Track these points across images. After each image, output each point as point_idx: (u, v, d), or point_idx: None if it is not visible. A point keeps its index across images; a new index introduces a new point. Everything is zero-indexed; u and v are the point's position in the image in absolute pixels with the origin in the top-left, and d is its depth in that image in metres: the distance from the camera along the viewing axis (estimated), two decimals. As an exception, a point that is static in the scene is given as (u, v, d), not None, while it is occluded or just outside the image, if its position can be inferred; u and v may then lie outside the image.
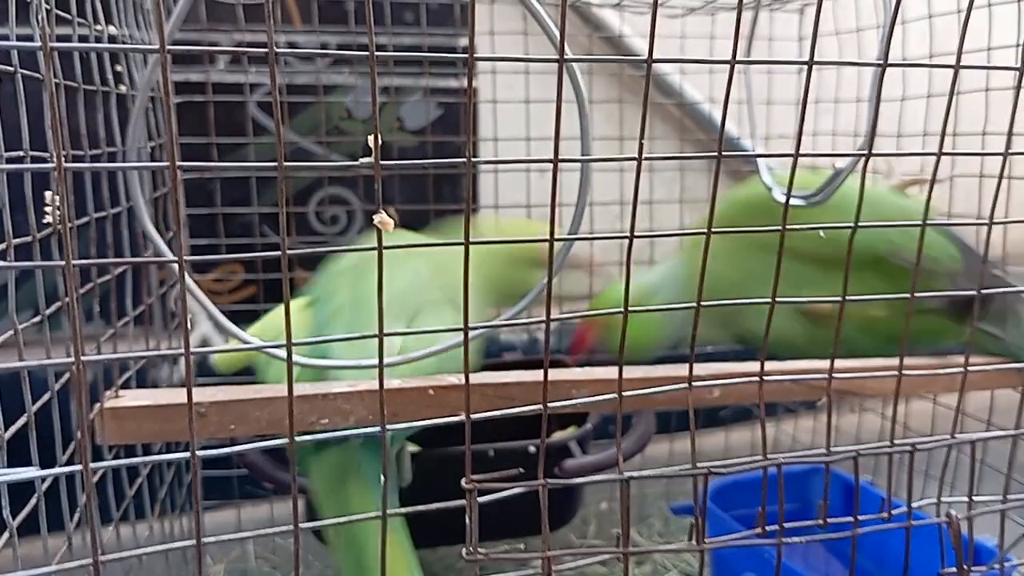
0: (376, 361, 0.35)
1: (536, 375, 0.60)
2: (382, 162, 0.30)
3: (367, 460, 0.65)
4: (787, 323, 0.82)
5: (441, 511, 0.37)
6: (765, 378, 0.41)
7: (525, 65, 1.04)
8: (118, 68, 0.72)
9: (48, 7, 0.55)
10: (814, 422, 1.21)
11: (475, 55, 0.31)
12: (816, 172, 0.84)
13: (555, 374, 0.62)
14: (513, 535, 0.75)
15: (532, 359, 1.02)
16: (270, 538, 0.98)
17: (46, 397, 0.52)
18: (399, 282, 0.71)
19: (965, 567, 0.43)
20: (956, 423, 0.46)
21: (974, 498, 0.44)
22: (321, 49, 0.98)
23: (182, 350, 0.31)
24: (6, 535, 0.45)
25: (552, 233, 0.34)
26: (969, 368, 0.46)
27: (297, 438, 0.34)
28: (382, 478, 0.35)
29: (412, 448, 0.75)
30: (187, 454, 0.32)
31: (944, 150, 0.39)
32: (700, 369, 0.66)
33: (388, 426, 0.35)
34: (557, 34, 0.32)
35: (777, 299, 0.39)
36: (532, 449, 0.78)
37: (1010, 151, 0.41)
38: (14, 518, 0.46)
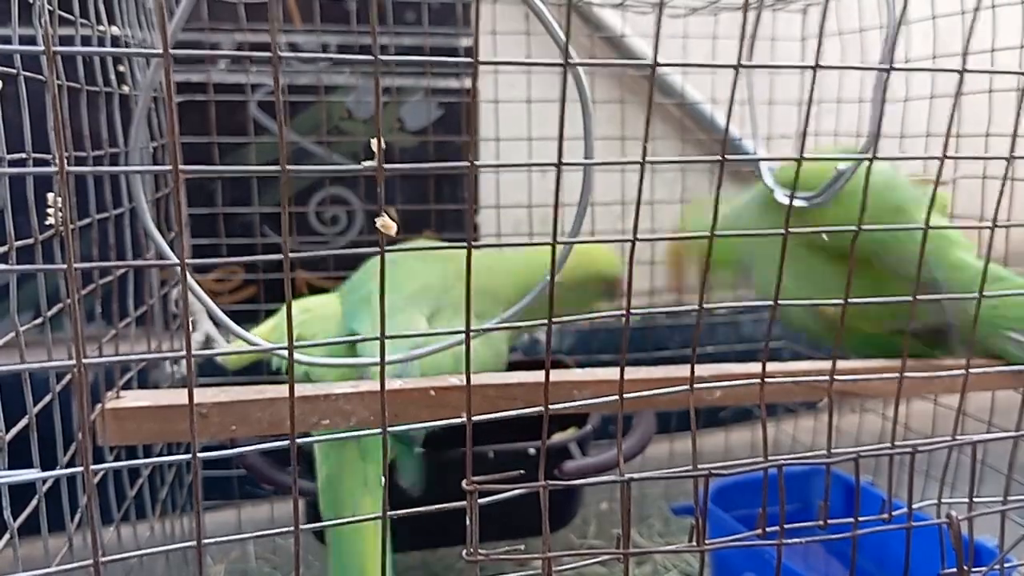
0: (377, 360, 0.35)
1: (537, 376, 0.60)
2: (385, 165, 0.30)
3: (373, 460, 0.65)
4: (809, 320, 0.82)
5: (441, 511, 0.37)
6: (766, 380, 0.41)
7: (527, 65, 1.04)
8: (120, 69, 0.72)
9: (51, 8, 0.55)
10: (814, 422, 1.21)
11: (479, 58, 0.31)
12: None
13: (556, 375, 0.62)
14: (513, 536, 0.75)
15: (533, 360, 1.02)
16: (271, 538, 0.98)
17: (47, 399, 0.52)
18: (425, 277, 0.74)
19: (965, 568, 0.43)
20: (957, 424, 0.46)
21: (975, 499, 0.44)
22: (322, 48, 0.98)
23: (184, 352, 0.31)
24: (7, 536, 0.45)
25: (555, 235, 0.34)
26: (970, 370, 0.46)
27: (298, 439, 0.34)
28: (382, 479, 0.36)
29: (417, 449, 0.75)
30: (188, 456, 0.32)
31: (948, 153, 0.39)
32: (701, 370, 0.66)
33: (393, 427, 0.35)
34: (562, 37, 0.32)
35: (779, 302, 0.39)
36: (532, 451, 0.78)
37: (1014, 155, 0.41)
38: (15, 519, 0.46)
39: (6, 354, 0.47)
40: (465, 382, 0.36)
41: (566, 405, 0.41)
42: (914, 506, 0.44)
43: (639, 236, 0.35)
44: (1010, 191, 0.80)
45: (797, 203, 0.67)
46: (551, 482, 0.37)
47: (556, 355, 1.07)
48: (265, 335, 0.71)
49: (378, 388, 0.35)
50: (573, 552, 0.39)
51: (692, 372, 0.40)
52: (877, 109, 0.39)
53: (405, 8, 1.00)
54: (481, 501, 0.37)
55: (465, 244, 0.33)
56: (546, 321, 0.36)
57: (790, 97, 1.10)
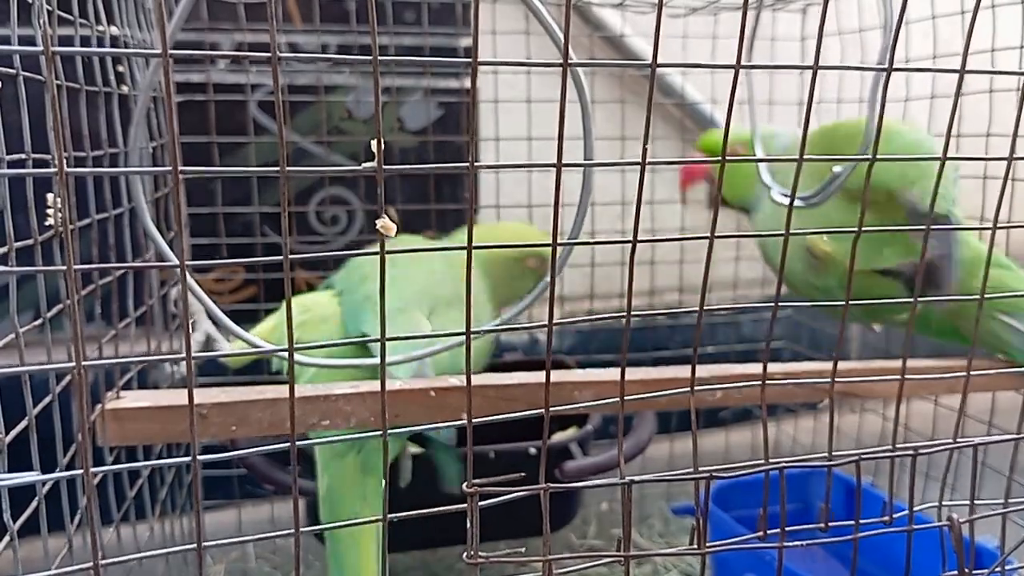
0: (387, 359, 0.35)
1: (538, 376, 0.60)
2: (385, 166, 0.30)
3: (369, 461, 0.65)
4: (793, 256, 0.82)
5: (441, 511, 0.37)
6: (767, 381, 0.41)
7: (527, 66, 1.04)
8: (120, 69, 0.71)
9: (50, 9, 0.55)
10: (815, 422, 1.21)
11: (478, 59, 0.30)
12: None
13: (557, 376, 0.62)
14: (513, 536, 0.75)
15: (533, 360, 1.02)
16: (271, 539, 0.98)
17: (47, 400, 0.52)
18: (420, 276, 0.74)
19: (966, 570, 0.42)
20: (958, 426, 0.45)
21: (976, 501, 0.44)
22: (322, 48, 0.98)
23: (183, 353, 0.31)
24: (7, 538, 0.45)
25: (555, 237, 0.34)
26: (971, 371, 0.46)
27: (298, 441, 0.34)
28: (383, 481, 0.35)
29: (413, 449, 0.75)
30: (188, 457, 0.32)
31: (948, 153, 0.39)
32: (702, 371, 0.66)
33: (393, 429, 0.35)
34: (561, 37, 0.32)
35: (780, 303, 0.39)
36: (533, 451, 0.78)
37: (1014, 155, 0.41)
38: (15, 520, 0.45)
39: (6, 355, 0.46)
40: (465, 383, 0.36)
41: (566, 406, 0.41)
42: (915, 508, 0.44)
43: (639, 237, 0.35)
44: (1011, 191, 0.80)
45: (796, 202, 0.67)
46: (552, 485, 0.37)
47: (557, 355, 1.07)
48: (265, 335, 0.71)
49: (378, 389, 0.35)
50: (574, 555, 0.38)
51: (693, 373, 0.40)
52: (876, 109, 0.38)
53: (405, 8, 1.00)
54: (481, 504, 0.36)
55: (465, 245, 0.33)
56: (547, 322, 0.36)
57: (790, 97, 1.10)
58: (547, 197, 1.07)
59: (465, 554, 0.37)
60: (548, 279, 0.37)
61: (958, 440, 0.44)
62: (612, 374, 0.62)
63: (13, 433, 0.47)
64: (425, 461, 0.74)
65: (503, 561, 0.37)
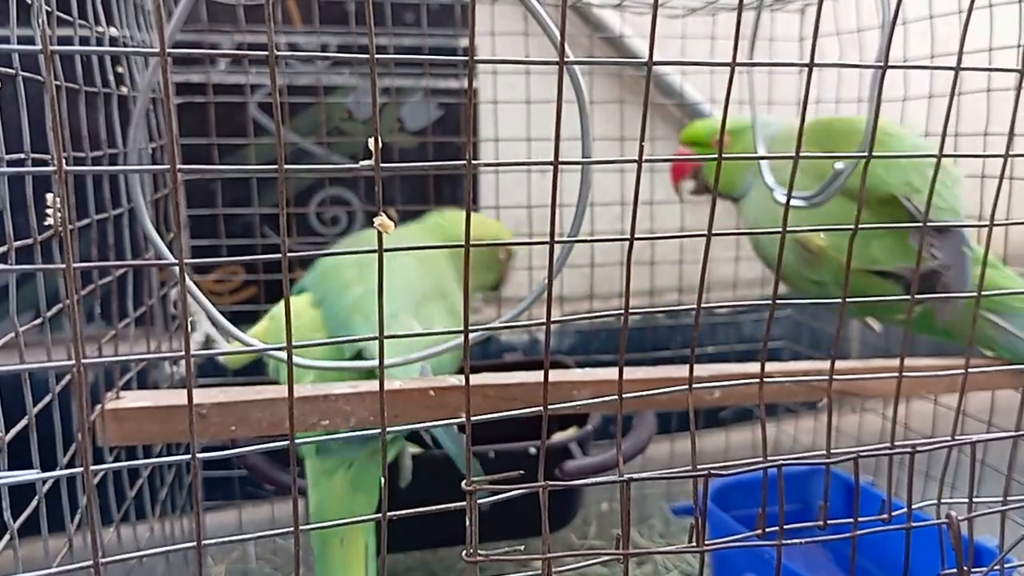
0: (376, 361, 0.35)
1: (537, 376, 0.61)
2: (383, 164, 0.30)
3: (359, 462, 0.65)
4: (785, 249, 0.83)
5: (441, 511, 0.37)
6: (765, 380, 0.41)
7: (526, 66, 1.04)
8: (119, 69, 0.72)
9: (49, 9, 0.55)
10: (815, 422, 1.21)
11: (476, 57, 0.31)
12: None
13: (556, 375, 0.62)
14: (513, 536, 0.75)
15: (533, 360, 1.02)
16: (271, 539, 0.98)
17: (47, 399, 0.52)
18: (401, 275, 0.73)
19: (965, 568, 0.42)
20: (956, 424, 0.46)
21: (974, 499, 0.44)
22: (322, 49, 0.98)
23: (183, 352, 0.31)
24: (7, 537, 0.45)
25: (552, 235, 0.34)
26: (970, 369, 0.46)
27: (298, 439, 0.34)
28: (382, 480, 0.35)
29: (413, 449, 0.75)
30: (188, 456, 0.32)
31: (945, 151, 0.39)
32: (701, 370, 0.66)
33: (392, 428, 0.35)
34: (558, 35, 0.32)
35: (778, 301, 0.39)
36: (533, 450, 0.78)
37: (1011, 153, 0.41)
38: (15, 519, 0.46)
39: (6, 354, 0.47)
40: (465, 382, 0.36)
41: (566, 405, 0.41)
42: (914, 506, 0.44)
43: (638, 236, 0.35)
44: (1008, 189, 0.80)
45: (796, 202, 0.67)
46: (551, 482, 0.37)
47: (556, 355, 1.07)
48: (260, 337, 0.71)
49: (377, 388, 0.35)
50: (573, 553, 0.39)
51: (691, 372, 0.40)
52: (873, 107, 0.38)
53: (404, 9, 1.00)
54: (481, 502, 0.36)
55: (464, 244, 0.33)
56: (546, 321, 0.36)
57: (789, 97, 1.10)
58: (546, 197, 1.07)
59: (464, 552, 0.37)
60: (547, 279, 0.37)
61: (956, 438, 0.44)
62: (610, 373, 0.62)
63: (13, 432, 0.47)
64: (425, 461, 0.74)
65: (503, 560, 0.37)
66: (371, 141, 0.30)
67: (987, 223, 0.43)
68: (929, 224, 0.41)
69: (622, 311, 0.36)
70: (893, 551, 0.82)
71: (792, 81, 1.11)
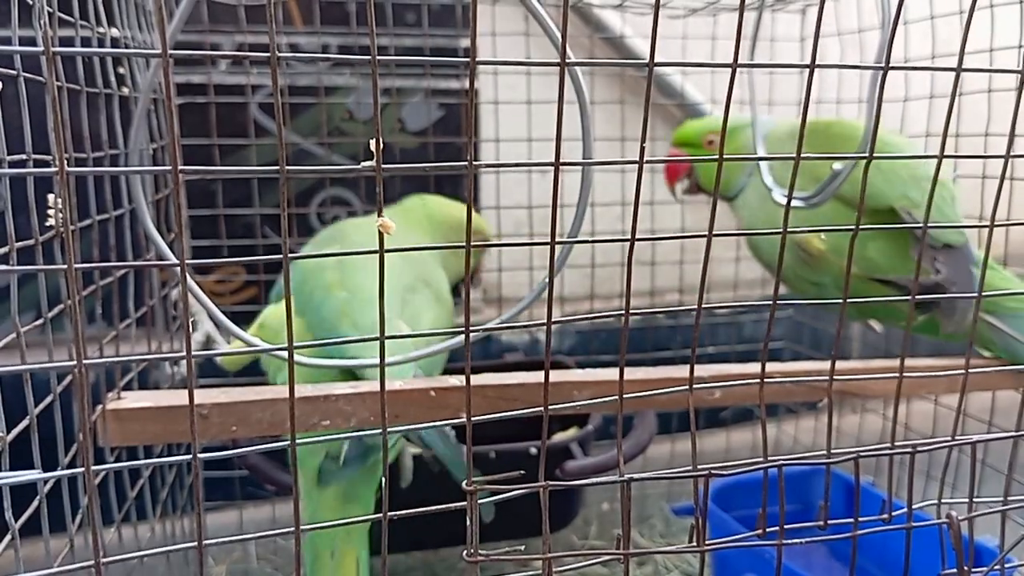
0: (377, 360, 0.35)
1: (537, 376, 0.61)
2: (384, 165, 0.30)
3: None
4: (789, 256, 0.83)
5: (442, 511, 0.37)
6: (766, 380, 0.41)
7: (527, 66, 1.04)
8: (120, 70, 0.72)
9: (50, 10, 0.55)
10: (815, 422, 1.21)
11: (477, 59, 0.31)
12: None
13: (556, 376, 0.62)
14: (514, 536, 0.75)
15: (534, 360, 1.02)
16: (272, 539, 0.98)
17: (48, 399, 0.52)
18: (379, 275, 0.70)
19: (966, 568, 0.43)
20: (957, 424, 0.46)
21: (975, 499, 0.44)
22: (323, 49, 0.98)
23: (184, 352, 0.31)
24: (8, 537, 0.45)
25: (553, 235, 0.34)
26: (970, 370, 0.46)
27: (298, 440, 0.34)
28: (383, 479, 0.36)
29: (413, 450, 0.75)
30: (189, 456, 0.32)
31: (946, 152, 0.39)
32: (701, 370, 0.66)
33: (393, 428, 0.35)
34: (559, 36, 0.32)
35: (778, 302, 0.39)
36: (533, 450, 0.78)
37: (1012, 154, 0.41)
38: (17, 519, 0.46)
39: (7, 355, 0.47)
40: (465, 383, 0.36)
41: (566, 405, 0.41)
42: (914, 506, 0.44)
43: (638, 236, 0.35)
44: (1009, 190, 0.80)
45: (796, 202, 0.67)
46: (551, 482, 0.37)
47: (556, 355, 1.08)
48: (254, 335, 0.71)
49: (378, 389, 0.35)
50: (573, 553, 0.39)
51: (692, 372, 0.40)
52: (874, 108, 0.39)
53: (405, 10, 1.00)
54: (482, 502, 0.37)
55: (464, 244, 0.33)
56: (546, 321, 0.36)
57: (790, 98, 1.10)
58: (547, 197, 1.08)
59: (465, 552, 0.37)
60: (547, 279, 0.38)
61: (957, 438, 0.44)
62: (611, 374, 0.62)
63: (14, 432, 0.47)
64: (426, 461, 0.74)
65: (503, 559, 0.37)
66: (372, 142, 0.30)
67: (987, 224, 0.43)
68: (930, 227, 0.41)
69: (623, 311, 0.36)
70: (893, 551, 0.82)
71: (793, 81, 1.11)
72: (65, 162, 0.28)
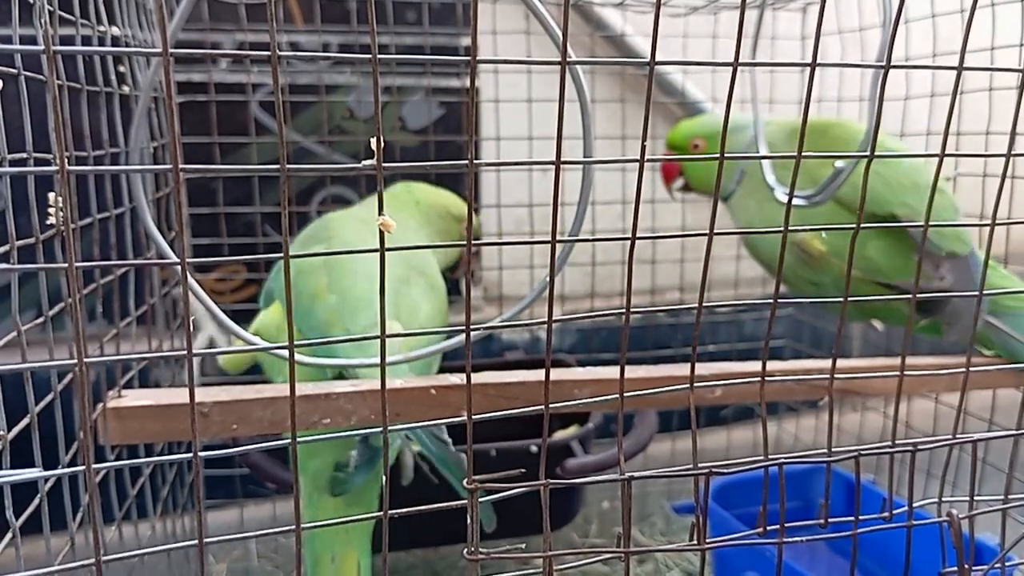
0: (377, 360, 0.35)
1: (538, 375, 0.61)
2: (384, 164, 0.30)
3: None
4: (789, 256, 0.83)
5: (443, 510, 0.37)
6: (766, 379, 0.41)
7: (527, 65, 1.04)
8: (121, 69, 0.72)
9: (51, 9, 0.55)
10: (816, 421, 1.21)
11: (477, 57, 0.31)
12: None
13: (557, 374, 0.62)
14: (515, 534, 0.75)
15: (535, 358, 1.02)
16: (272, 537, 0.98)
17: (49, 398, 0.52)
18: (372, 265, 0.68)
19: (966, 566, 0.43)
20: (958, 422, 0.46)
21: (975, 497, 0.44)
22: (323, 47, 0.98)
23: (184, 351, 0.31)
24: (9, 535, 0.45)
25: (554, 234, 0.34)
26: (971, 368, 0.46)
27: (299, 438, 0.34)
28: (383, 478, 0.36)
29: (415, 447, 0.75)
30: (189, 455, 0.32)
31: (947, 151, 0.39)
32: (702, 369, 0.66)
33: (394, 427, 0.35)
34: (560, 35, 0.32)
35: (779, 300, 0.39)
36: (534, 449, 0.78)
37: (1013, 152, 0.41)
38: (17, 518, 0.46)
39: (8, 353, 0.47)
40: (466, 381, 0.36)
41: (567, 403, 0.41)
42: (915, 504, 0.44)
43: (639, 235, 0.35)
44: (1010, 189, 0.80)
45: (797, 201, 0.67)
46: (551, 481, 0.37)
47: (557, 354, 1.08)
48: (244, 359, 0.71)
49: (379, 387, 0.35)
50: (574, 551, 0.39)
51: (692, 371, 0.40)
52: (875, 107, 0.39)
53: (406, 8, 1.00)
54: (483, 500, 0.37)
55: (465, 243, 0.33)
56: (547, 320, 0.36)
57: (791, 96, 1.10)
58: (548, 196, 1.08)
59: (466, 551, 0.37)
60: (547, 277, 0.38)
61: (957, 436, 0.44)
62: (611, 372, 0.62)
63: (15, 430, 0.47)
64: (423, 468, 0.74)
65: (504, 558, 0.37)
66: (373, 140, 0.30)
67: (988, 222, 0.43)
68: (931, 225, 0.41)
69: (623, 310, 0.36)
70: (894, 549, 0.82)
71: (794, 80, 1.11)
72: (66, 160, 0.28)
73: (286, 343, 0.33)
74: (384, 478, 0.35)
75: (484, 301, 1.12)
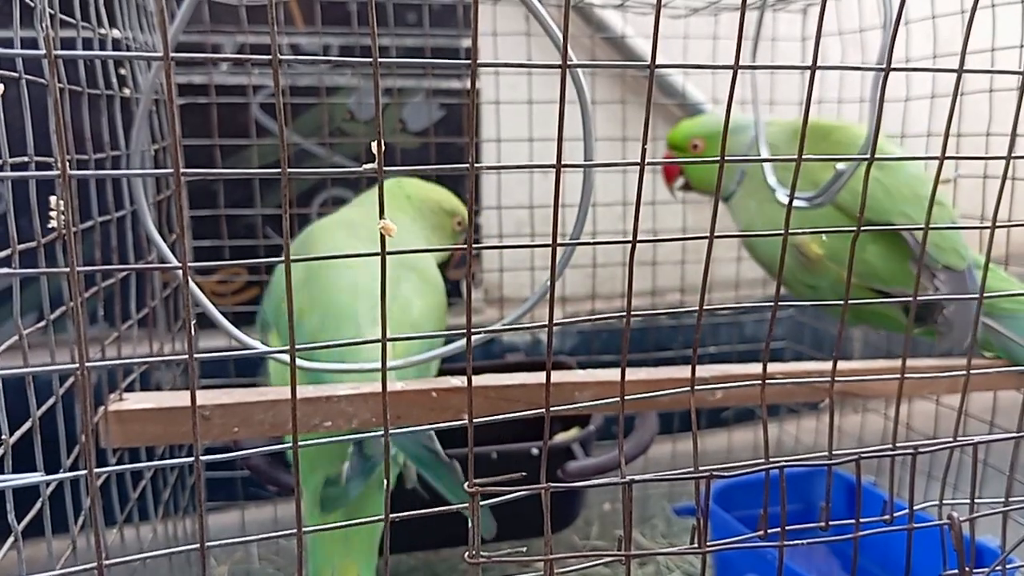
0: (379, 364, 0.35)
1: (539, 377, 0.61)
2: (385, 167, 0.30)
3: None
4: (789, 259, 0.83)
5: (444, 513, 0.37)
6: (767, 381, 0.41)
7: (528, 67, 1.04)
8: (122, 71, 0.72)
9: (52, 12, 0.55)
10: (817, 423, 1.21)
11: (478, 60, 0.31)
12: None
13: (558, 376, 0.62)
14: (515, 536, 0.75)
15: (535, 360, 1.02)
16: (274, 540, 0.98)
17: (51, 401, 0.52)
18: (360, 271, 0.68)
19: (967, 569, 0.43)
20: (958, 425, 0.46)
21: (976, 500, 0.44)
22: (324, 50, 0.99)
23: (186, 355, 0.31)
24: (11, 538, 0.45)
25: (555, 237, 0.34)
26: (971, 370, 0.46)
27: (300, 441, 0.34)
28: (384, 482, 0.36)
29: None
30: (191, 458, 0.32)
31: (948, 153, 0.39)
32: (703, 371, 0.66)
33: (395, 430, 0.35)
34: (560, 37, 0.32)
35: (780, 302, 0.39)
36: (535, 451, 0.78)
37: (1013, 154, 0.41)
38: (19, 521, 0.46)
39: (9, 357, 0.47)
40: (467, 384, 0.36)
41: (568, 406, 0.41)
42: (916, 507, 0.44)
43: (640, 237, 0.35)
44: (1010, 190, 0.80)
45: (799, 203, 0.67)
46: (552, 484, 0.37)
47: (558, 356, 1.08)
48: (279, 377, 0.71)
49: (380, 390, 0.35)
50: (575, 554, 0.39)
51: (693, 373, 0.40)
52: (875, 109, 0.39)
53: (406, 9, 1.00)
54: (483, 503, 0.37)
55: (466, 246, 0.33)
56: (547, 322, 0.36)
57: (791, 98, 1.10)
58: (548, 198, 1.08)
59: (467, 554, 0.37)
60: (548, 280, 0.38)
61: (958, 439, 0.44)
62: (612, 374, 0.62)
63: (17, 435, 0.47)
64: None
65: (504, 561, 0.37)
66: (374, 143, 0.30)
67: (988, 225, 0.43)
68: (931, 228, 0.41)
69: (624, 313, 0.36)
70: (895, 552, 0.82)
71: (794, 81, 1.11)
72: (67, 164, 0.28)
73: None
74: (386, 482, 0.35)
75: (485, 303, 1.12)
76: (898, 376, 0.43)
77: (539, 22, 0.40)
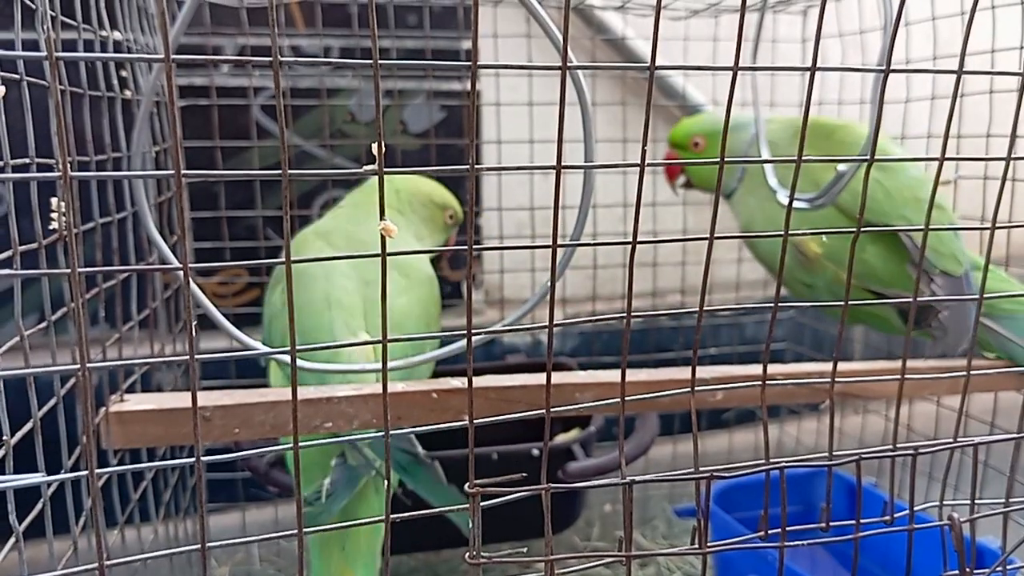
0: (379, 365, 0.35)
1: (539, 378, 0.61)
2: (386, 168, 0.30)
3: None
4: (788, 258, 0.84)
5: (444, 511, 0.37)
6: (768, 382, 0.41)
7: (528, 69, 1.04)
8: (123, 73, 0.72)
9: (53, 14, 0.55)
10: (817, 424, 1.21)
11: (478, 62, 0.31)
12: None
13: (558, 377, 0.62)
14: (516, 538, 0.75)
15: (536, 362, 1.02)
16: (275, 541, 0.98)
17: (52, 402, 0.52)
18: (335, 282, 0.69)
19: (967, 570, 0.43)
20: (959, 426, 0.46)
21: (977, 501, 0.44)
22: (325, 51, 0.99)
23: (187, 356, 0.31)
24: (12, 539, 0.45)
25: (555, 238, 0.34)
26: (972, 371, 0.46)
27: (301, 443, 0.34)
28: (385, 483, 0.36)
29: (420, 451, 0.75)
30: (192, 459, 0.32)
31: (948, 154, 0.39)
32: (703, 372, 0.66)
33: (395, 431, 0.35)
34: (560, 39, 0.32)
35: (780, 303, 0.39)
36: (535, 452, 0.78)
37: (1013, 156, 0.41)
38: (20, 522, 0.46)
39: (11, 358, 0.47)
40: (467, 385, 0.36)
41: (568, 407, 0.41)
42: (916, 508, 0.44)
43: (640, 238, 0.35)
44: (1010, 191, 0.80)
45: (799, 204, 0.67)
46: (553, 485, 0.37)
47: (558, 357, 1.08)
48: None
49: (380, 391, 0.35)
50: (576, 555, 0.39)
51: (693, 374, 0.40)
52: (876, 111, 0.39)
53: (407, 11, 1.00)
54: (484, 504, 0.37)
55: (466, 247, 0.33)
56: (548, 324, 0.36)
57: (791, 99, 1.10)
58: (549, 199, 1.08)
59: (467, 554, 0.37)
60: (549, 281, 0.38)
61: (958, 440, 0.44)
62: (612, 375, 0.62)
63: (19, 435, 0.47)
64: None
65: (505, 561, 0.38)
66: (374, 144, 0.30)
67: (988, 225, 0.43)
68: (931, 228, 0.41)
69: (624, 314, 0.36)
70: (895, 552, 0.82)
71: (794, 82, 1.11)
72: (68, 165, 0.29)
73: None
74: (386, 482, 0.35)
75: (486, 304, 1.12)
76: (898, 377, 0.43)
77: (539, 24, 0.40)
